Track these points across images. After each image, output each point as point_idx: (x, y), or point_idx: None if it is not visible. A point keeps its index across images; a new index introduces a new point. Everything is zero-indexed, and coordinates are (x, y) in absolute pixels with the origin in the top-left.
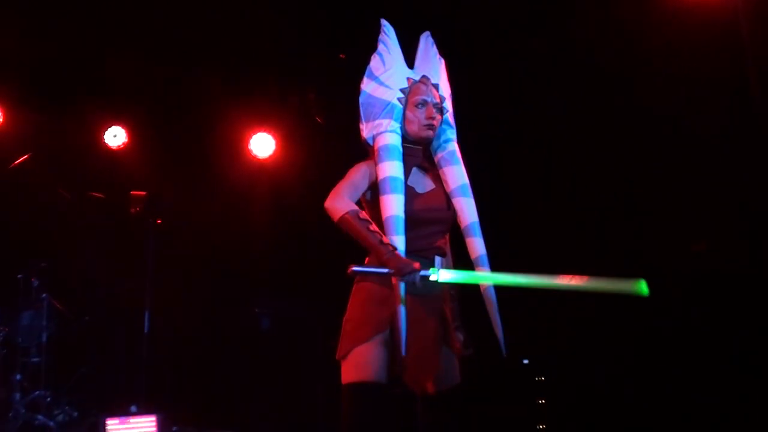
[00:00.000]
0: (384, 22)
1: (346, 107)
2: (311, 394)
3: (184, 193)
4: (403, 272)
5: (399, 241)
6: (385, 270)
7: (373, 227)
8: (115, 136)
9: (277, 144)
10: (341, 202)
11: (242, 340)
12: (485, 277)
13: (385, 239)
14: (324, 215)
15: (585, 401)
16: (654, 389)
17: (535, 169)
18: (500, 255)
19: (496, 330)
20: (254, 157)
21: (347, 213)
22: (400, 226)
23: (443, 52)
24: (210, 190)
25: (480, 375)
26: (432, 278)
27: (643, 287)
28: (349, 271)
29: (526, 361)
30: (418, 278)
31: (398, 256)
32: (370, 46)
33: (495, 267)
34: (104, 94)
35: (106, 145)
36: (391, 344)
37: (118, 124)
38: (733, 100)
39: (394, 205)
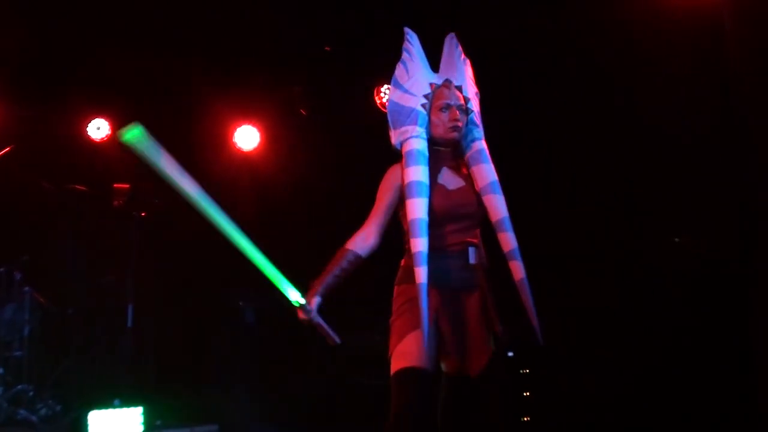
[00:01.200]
0: (407, 30)
1: (331, 100)
2: (296, 387)
3: (168, 186)
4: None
5: (422, 243)
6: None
7: (331, 266)
8: (98, 129)
9: (261, 137)
10: (354, 237)
11: (226, 333)
12: None
13: (323, 276)
14: (308, 206)
15: (570, 394)
16: (641, 383)
17: (533, 168)
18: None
19: (533, 321)
20: (239, 149)
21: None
22: (424, 228)
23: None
24: (194, 183)
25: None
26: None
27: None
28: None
29: (510, 354)
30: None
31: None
32: (356, 39)
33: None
34: (87, 87)
35: (89, 137)
36: (437, 337)
37: (101, 117)
38: (723, 101)
39: (417, 209)
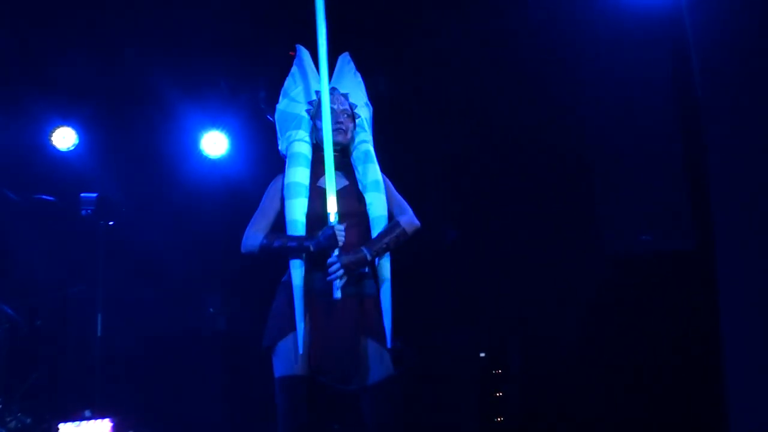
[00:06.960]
0: (299, 47)
1: None
2: (269, 394)
3: (136, 194)
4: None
5: None
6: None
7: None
8: (64, 138)
9: (229, 142)
10: (251, 239)
11: (197, 341)
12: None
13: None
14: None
15: (543, 394)
16: (612, 381)
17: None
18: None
19: (385, 323)
20: (206, 155)
21: (261, 243)
22: (300, 229)
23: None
24: (162, 191)
25: (436, 368)
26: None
27: None
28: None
29: (482, 355)
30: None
31: (317, 239)
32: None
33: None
34: (52, 95)
35: (54, 146)
36: (312, 346)
37: (66, 126)
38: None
39: (294, 209)
